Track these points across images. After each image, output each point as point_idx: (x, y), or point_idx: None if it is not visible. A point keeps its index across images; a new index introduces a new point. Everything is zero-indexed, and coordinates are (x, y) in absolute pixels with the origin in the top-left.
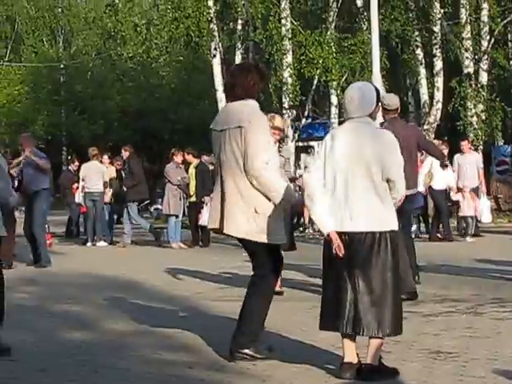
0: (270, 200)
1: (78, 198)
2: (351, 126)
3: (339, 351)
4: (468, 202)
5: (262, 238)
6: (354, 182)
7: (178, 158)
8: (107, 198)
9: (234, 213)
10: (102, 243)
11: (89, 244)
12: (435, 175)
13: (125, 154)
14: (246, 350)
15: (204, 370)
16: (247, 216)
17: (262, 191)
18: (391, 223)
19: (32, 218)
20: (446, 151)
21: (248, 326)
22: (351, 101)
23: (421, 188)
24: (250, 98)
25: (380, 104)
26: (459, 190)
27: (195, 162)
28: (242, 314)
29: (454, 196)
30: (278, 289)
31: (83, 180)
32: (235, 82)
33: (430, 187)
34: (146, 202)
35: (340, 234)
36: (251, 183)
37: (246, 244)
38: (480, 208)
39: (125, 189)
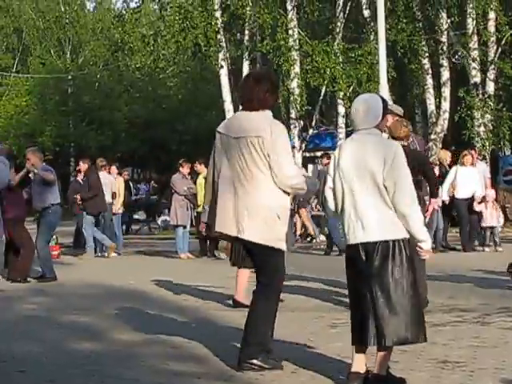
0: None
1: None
2: (357, 137)
3: (347, 360)
4: (491, 212)
5: (279, 245)
6: (361, 193)
7: (185, 169)
8: (116, 208)
9: (255, 219)
10: (112, 254)
11: (98, 254)
12: (459, 184)
13: (83, 166)
14: (254, 361)
15: (212, 381)
16: (268, 223)
17: (296, 194)
18: (404, 230)
19: (38, 232)
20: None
21: (254, 335)
22: (356, 113)
23: (445, 197)
24: (265, 108)
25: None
26: (483, 199)
27: (204, 172)
28: (248, 324)
29: (477, 206)
30: None
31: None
32: (251, 92)
33: (453, 196)
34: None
35: (354, 245)
36: (280, 189)
37: (258, 251)
38: None
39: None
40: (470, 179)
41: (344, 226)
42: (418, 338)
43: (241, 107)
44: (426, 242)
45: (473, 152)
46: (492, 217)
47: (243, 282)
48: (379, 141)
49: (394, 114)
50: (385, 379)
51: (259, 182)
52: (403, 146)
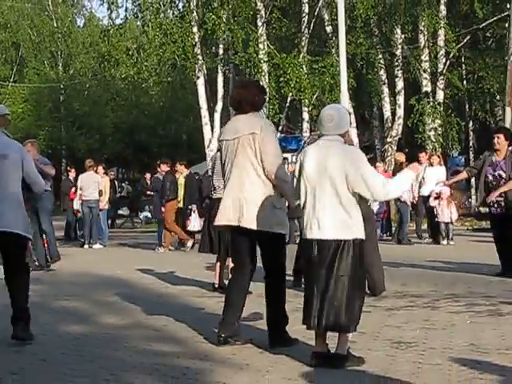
0: (282, 196)
1: (77, 204)
2: (322, 143)
3: (310, 341)
4: (443, 209)
5: (280, 230)
6: (320, 194)
7: (163, 168)
8: (102, 204)
9: (253, 209)
10: (98, 245)
11: (86, 246)
12: (426, 182)
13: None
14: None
15: (190, 359)
16: (267, 210)
17: (278, 185)
18: (355, 232)
19: (40, 218)
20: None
21: (278, 314)
22: (330, 120)
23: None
24: (256, 110)
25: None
26: (438, 196)
27: (184, 172)
28: (268, 304)
29: (432, 202)
30: None
31: (81, 189)
32: (241, 98)
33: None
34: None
35: (310, 240)
36: (269, 180)
37: (261, 238)
38: None
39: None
40: (435, 178)
41: (303, 222)
42: (349, 327)
43: (234, 112)
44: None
45: (423, 154)
46: (443, 213)
47: (221, 269)
48: (342, 148)
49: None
50: (345, 358)
51: (255, 175)
52: None
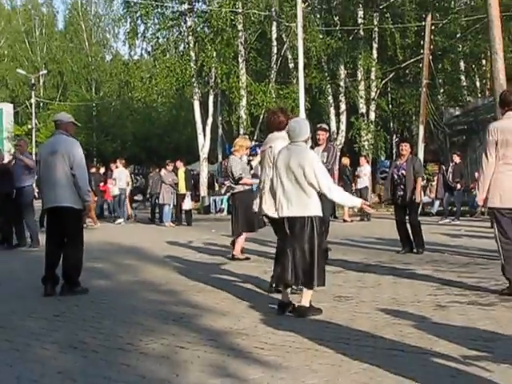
0: None
1: (115, 191)
2: (290, 147)
3: (276, 295)
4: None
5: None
6: (287, 183)
7: (170, 167)
8: (127, 191)
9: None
10: (120, 220)
11: (119, 220)
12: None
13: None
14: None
15: (185, 307)
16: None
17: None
18: (314, 210)
19: (23, 212)
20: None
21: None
22: (293, 130)
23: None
24: (278, 130)
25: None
26: None
27: (182, 168)
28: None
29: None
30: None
31: (114, 179)
32: (268, 122)
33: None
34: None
35: (281, 218)
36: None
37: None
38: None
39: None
40: (363, 174)
41: (276, 204)
42: (320, 282)
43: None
44: (353, 204)
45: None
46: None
47: (240, 244)
48: (302, 150)
49: (325, 130)
50: (308, 309)
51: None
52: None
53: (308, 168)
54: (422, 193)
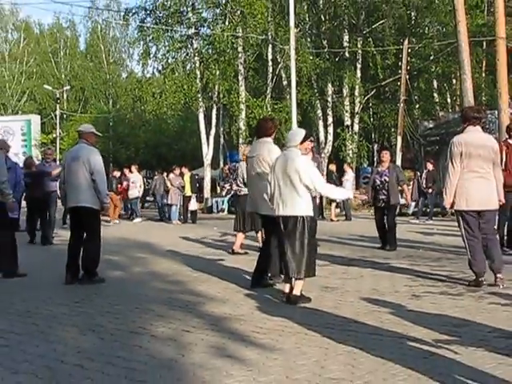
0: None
1: (136, 193)
2: (285, 152)
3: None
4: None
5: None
6: (284, 185)
7: (176, 172)
8: (141, 193)
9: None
10: (138, 219)
11: (136, 220)
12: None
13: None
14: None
15: (189, 295)
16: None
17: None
18: (307, 211)
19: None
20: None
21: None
22: (288, 137)
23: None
24: (267, 136)
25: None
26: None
27: (188, 173)
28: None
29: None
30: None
31: (133, 182)
32: (260, 128)
33: None
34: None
35: (278, 216)
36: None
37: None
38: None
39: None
40: (345, 179)
41: (273, 205)
42: (309, 273)
43: (255, 138)
44: (346, 195)
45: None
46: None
47: (240, 240)
48: (296, 155)
49: (311, 141)
50: (299, 297)
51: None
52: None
53: (303, 172)
54: (399, 195)
